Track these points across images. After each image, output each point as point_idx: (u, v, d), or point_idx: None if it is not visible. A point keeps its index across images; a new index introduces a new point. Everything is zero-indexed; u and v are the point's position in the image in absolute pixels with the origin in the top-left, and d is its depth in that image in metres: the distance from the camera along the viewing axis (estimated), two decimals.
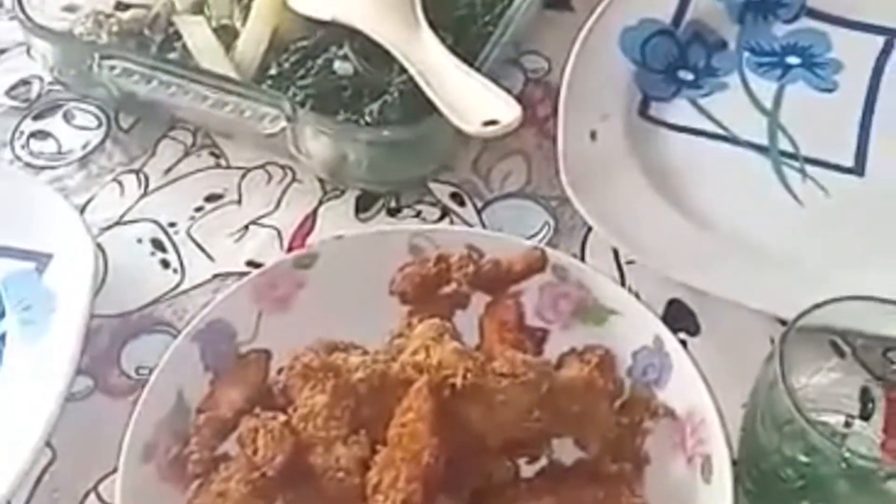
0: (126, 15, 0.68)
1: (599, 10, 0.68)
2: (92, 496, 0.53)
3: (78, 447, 0.54)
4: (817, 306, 0.48)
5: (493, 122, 0.57)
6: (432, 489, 0.45)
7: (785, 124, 0.66)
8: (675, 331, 0.53)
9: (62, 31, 0.67)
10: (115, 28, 0.67)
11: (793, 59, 0.69)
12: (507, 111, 0.57)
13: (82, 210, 0.63)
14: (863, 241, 0.61)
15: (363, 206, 0.64)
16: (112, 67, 0.63)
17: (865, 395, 0.52)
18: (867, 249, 0.60)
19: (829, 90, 0.67)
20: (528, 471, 0.51)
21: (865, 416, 0.52)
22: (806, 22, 0.70)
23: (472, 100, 0.58)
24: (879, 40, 0.69)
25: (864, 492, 0.46)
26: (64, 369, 0.52)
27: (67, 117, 0.69)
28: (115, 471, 0.50)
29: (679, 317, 0.58)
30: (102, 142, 0.67)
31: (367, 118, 0.62)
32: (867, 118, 0.66)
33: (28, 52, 0.71)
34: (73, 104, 0.69)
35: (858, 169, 0.64)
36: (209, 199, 0.65)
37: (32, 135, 0.68)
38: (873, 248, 0.60)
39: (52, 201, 0.60)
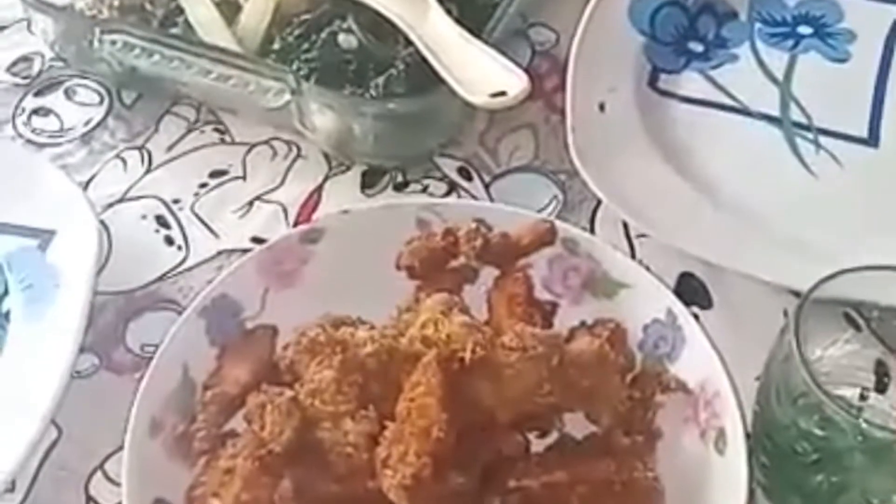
0: None
1: None
2: (98, 474, 0.53)
3: (84, 425, 0.54)
4: (831, 276, 0.47)
5: (500, 94, 0.56)
6: (442, 464, 0.45)
7: (797, 95, 0.65)
8: (686, 305, 0.53)
9: (63, 6, 0.66)
10: (116, 2, 0.66)
11: (805, 29, 0.68)
12: (515, 82, 0.56)
13: (85, 187, 0.63)
14: (877, 211, 0.60)
15: (369, 181, 0.64)
16: (113, 42, 0.62)
17: (881, 368, 0.51)
18: (881, 220, 0.60)
19: (842, 60, 0.67)
20: (538, 445, 0.50)
21: (881, 388, 0.51)
22: None
23: (479, 71, 0.58)
24: (893, 9, 0.68)
25: (879, 464, 0.45)
26: (68, 346, 0.52)
27: (69, 94, 0.68)
28: (121, 448, 0.49)
29: (691, 291, 0.58)
30: (104, 118, 0.67)
31: (373, 92, 0.61)
32: (881, 88, 0.65)
33: (28, 27, 0.70)
34: (75, 80, 0.69)
35: (872, 140, 0.63)
36: (213, 175, 0.64)
37: (34, 111, 0.68)
38: (887, 218, 0.60)
39: (54, 178, 0.60)
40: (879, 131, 0.63)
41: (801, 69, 0.66)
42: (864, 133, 0.63)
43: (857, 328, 0.50)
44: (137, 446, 0.48)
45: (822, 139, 0.63)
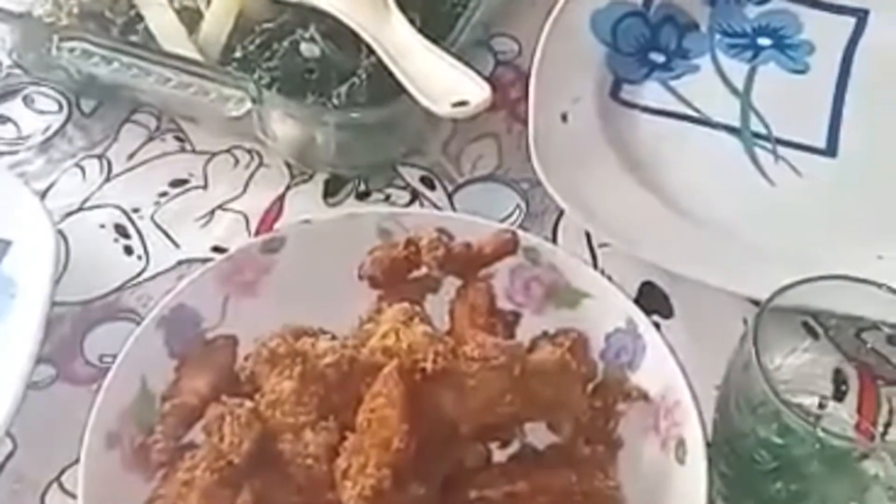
0: None
1: None
2: (55, 486, 0.52)
3: (40, 437, 0.53)
4: (791, 286, 0.47)
5: (462, 103, 0.56)
6: (403, 475, 0.44)
7: (757, 106, 0.66)
8: (648, 314, 0.53)
9: (21, 13, 0.66)
10: (75, 10, 0.65)
11: (764, 41, 0.69)
12: (477, 92, 0.56)
13: (43, 196, 0.62)
14: (835, 222, 0.61)
15: (331, 190, 0.63)
16: (72, 49, 0.61)
17: (839, 376, 0.51)
18: (839, 230, 0.60)
19: (801, 71, 0.67)
20: (500, 455, 0.50)
21: (839, 397, 0.51)
22: (777, 3, 0.70)
23: (442, 81, 0.58)
24: (851, 21, 0.69)
25: (837, 472, 0.45)
26: (24, 357, 0.51)
27: (27, 101, 0.68)
28: (78, 461, 0.48)
29: (652, 300, 0.58)
30: (63, 126, 0.66)
31: (335, 101, 0.61)
32: (839, 99, 0.66)
33: None
34: (33, 88, 0.68)
35: (831, 150, 0.64)
36: (174, 184, 0.64)
37: None
38: (845, 229, 0.60)
39: (11, 187, 0.59)
40: (838, 142, 0.64)
41: (761, 80, 0.67)
42: (823, 143, 0.64)
43: (816, 337, 0.51)
44: (94, 458, 0.48)
45: (781, 149, 0.64)
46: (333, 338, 0.50)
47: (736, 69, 0.67)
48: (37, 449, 0.53)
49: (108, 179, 0.64)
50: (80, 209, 0.63)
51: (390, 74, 0.59)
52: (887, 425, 0.50)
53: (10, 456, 0.53)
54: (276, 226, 0.61)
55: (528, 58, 0.66)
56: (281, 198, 0.63)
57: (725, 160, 0.64)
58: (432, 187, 0.64)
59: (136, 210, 0.63)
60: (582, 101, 0.65)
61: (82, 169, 0.64)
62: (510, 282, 0.54)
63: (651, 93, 0.66)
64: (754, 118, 0.65)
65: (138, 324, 0.54)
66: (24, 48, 0.66)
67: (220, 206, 0.63)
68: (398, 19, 0.62)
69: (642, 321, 0.52)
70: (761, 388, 0.44)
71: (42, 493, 0.52)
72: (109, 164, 0.65)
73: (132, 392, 0.50)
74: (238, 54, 0.63)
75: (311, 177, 0.64)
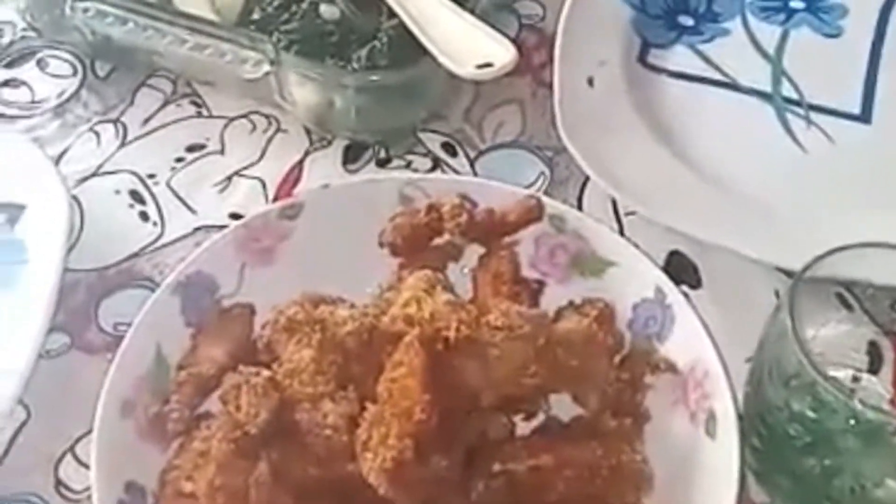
0: None
1: None
2: (68, 456, 0.52)
3: (54, 406, 0.52)
4: (826, 254, 0.46)
5: (487, 65, 0.55)
6: (424, 447, 0.43)
7: (789, 70, 0.64)
8: (676, 284, 0.52)
9: None
10: None
11: (797, 4, 0.67)
12: (502, 53, 0.55)
13: (57, 161, 0.61)
14: (868, 189, 0.59)
15: (351, 156, 0.62)
16: (86, 10, 0.60)
17: (874, 349, 0.50)
18: (873, 198, 0.59)
19: (835, 35, 0.66)
20: (524, 428, 0.49)
21: (874, 370, 0.50)
22: None
23: (465, 42, 0.56)
24: None
25: (872, 447, 0.44)
26: (37, 325, 0.50)
27: (41, 65, 0.67)
28: (92, 430, 0.47)
29: (680, 270, 0.57)
30: (78, 90, 0.65)
31: (355, 64, 0.60)
32: (874, 64, 0.64)
33: None
34: (48, 51, 0.67)
35: (865, 116, 0.62)
36: (190, 149, 0.63)
37: (5, 83, 0.66)
38: (879, 196, 0.59)
39: (25, 151, 0.58)
40: (872, 108, 0.62)
41: (793, 44, 0.65)
42: (857, 109, 0.63)
43: (850, 308, 0.50)
44: (108, 428, 0.47)
45: (814, 115, 0.62)
46: (353, 306, 0.49)
47: (767, 32, 0.66)
48: (50, 418, 0.52)
49: (123, 144, 0.63)
50: (95, 174, 0.62)
51: (412, 37, 0.58)
52: None
53: (23, 425, 0.52)
54: (295, 192, 0.60)
55: (553, 22, 0.65)
56: (299, 164, 0.62)
57: (756, 126, 0.62)
58: (454, 154, 0.62)
59: (151, 176, 0.62)
60: (608, 66, 0.63)
61: (97, 134, 0.63)
62: (535, 250, 0.53)
63: (679, 57, 0.65)
64: (786, 83, 0.64)
65: (153, 291, 0.53)
66: (37, 9, 0.65)
67: (237, 172, 0.62)
68: None
69: (671, 290, 0.51)
70: (797, 360, 0.43)
71: (56, 463, 0.51)
72: (125, 128, 0.64)
73: (147, 360, 0.49)
74: (256, 16, 0.62)
75: (330, 143, 0.63)
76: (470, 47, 0.56)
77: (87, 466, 0.49)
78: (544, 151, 0.62)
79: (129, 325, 0.50)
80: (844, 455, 0.45)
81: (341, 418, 0.45)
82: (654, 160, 0.60)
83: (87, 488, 0.47)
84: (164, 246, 0.59)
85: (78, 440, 0.51)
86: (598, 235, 0.53)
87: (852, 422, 0.43)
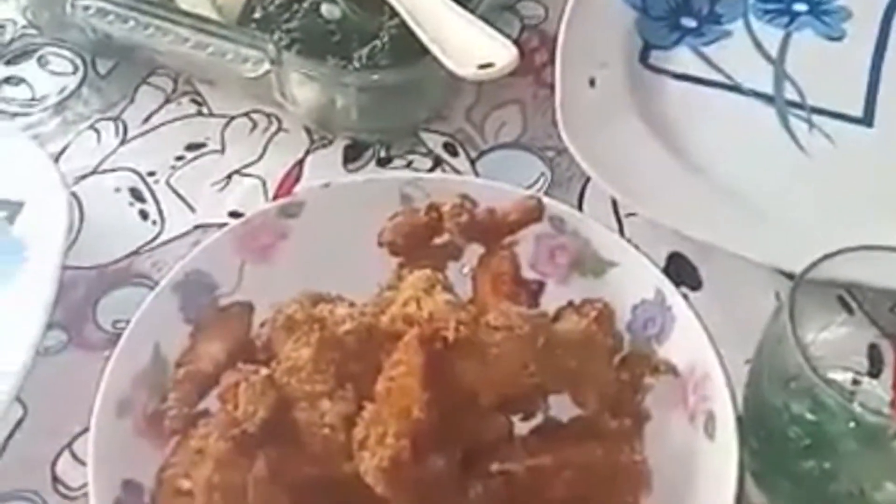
0: None
1: None
2: (66, 454, 0.51)
3: (51, 403, 0.52)
4: (827, 257, 0.46)
5: (488, 66, 0.55)
6: (422, 446, 0.43)
7: (791, 73, 0.64)
8: (676, 285, 0.52)
9: None
10: None
11: (800, 6, 0.67)
12: (504, 53, 0.55)
13: (57, 158, 0.61)
14: (870, 192, 0.59)
15: (352, 156, 0.62)
16: (87, 7, 0.60)
17: (874, 352, 0.50)
18: (874, 201, 0.59)
19: (838, 38, 0.66)
20: (523, 428, 0.48)
21: (874, 373, 0.50)
22: None
23: (467, 42, 0.56)
24: None
25: (872, 450, 0.44)
26: (35, 322, 0.50)
27: (42, 62, 0.67)
28: (89, 428, 0.47)
29: (680, 271, 0.57)
30: (78, 88, 0.65)
31: (356, 63, 0.60)
32: (876, 67, 0.64)
33: None
34: (48, 49, 0.67)
35: (867, 119, 0.62)
36: (190, 147, 0.63)
37: (5, 80, 0.66)
38: (881, 199, 0.59)
39: (24, 148, 0.58)
40: (874, 111, 0.62)
41: (796, 47, 0.65)
42: (859, 112, 0.62)
43: (850, 311, 0.49)
44: (105, 426, 0.47)
45: (816, 118, 0.62)
46: (352, 305, 0.49)
47: (770, 35, 0.66)
48: (47, 416, 0.52)
49: (123, 142, 0.63)
50: (95, 172, 0.62)
51: (414, 36, 0.58)
52: None
53: (20, 422, 0.52)
54: (294, 191, 0.60)
55: (555, 23, 0.65)
56: (300, 163, 0.62)
57: (758, 129, 0.62)
58: (455, 154, 0.62)
59: (151, 174, 0.62)
60: (610, 67, 0.63)
61: (97, 131, 0.63)
62: (535, 249, 0.53)
63: (681, 59, 0.65)
64: (788, 86, 0.63)
65: (152, 289, 0.52)
66: (38, 7, 0.65)
67: (237, 171, 0.62)
68: None
69: (671, 292, 0.50)
70: (796, 362, 0.43)
71: (52, 461, 0.51)
72: (125, 126, 0.64)
73: (145, 358, 0.49)
74: (257, 14, 0.62)
75: (330, 142, 0.63)
76: (471, 47, 0.56)
77: (84, 464, 0.48)
78: (545, 152, 0.62)
79: (128, 322, 0.50)
80: (843, 458, 0.44)
81: (339, 417, 0.45)
82: (655, 161, 0.59)
83: (84, 486, 0.47)
84: (164, 244, 0.59)
85: (75, 438, 0.51)
86: (598, 236, 0.52)
87: (852, 425, 0.43)
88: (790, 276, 0.49)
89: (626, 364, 0.50)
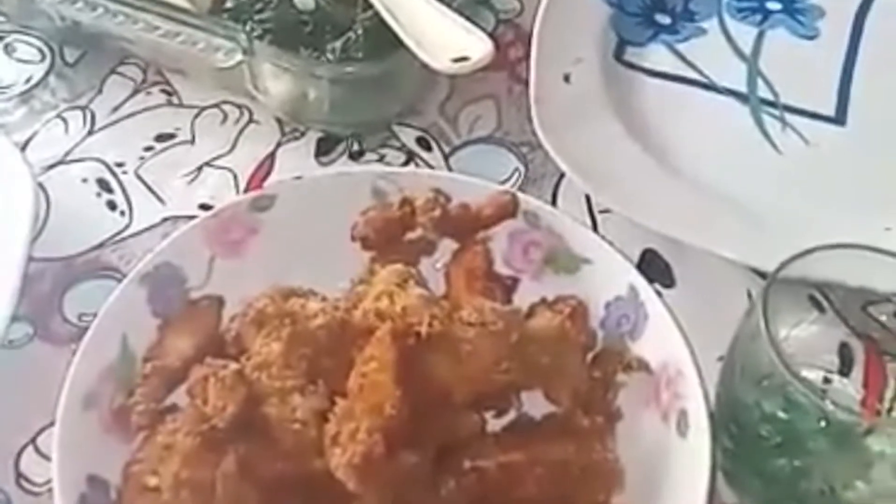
0: None
1: None
2: (30, 449, 0.51)
3: (15, 397, 0.51)
4: (799, 255, 0.46)
5: (463, 59, 0.55)
6: (394, 443, 0.43)
7: (765, 71, 0.64)
8: (649, 282, 0.51)
9: None
10: None
11: (774, 5, 0.67)
12: (479, 46, 0.55)
13: (23, 147, 0.60)
14: (843, 192, 0.59)
15: (324, 149, 0.62)
16: None
17: (845, 351, 0.50)
18: (847, 201, 0.59)
19: (811, 37, 0.66)
20: (495, 425, 0.48)
21: (845, 371, 0.50)
22: None
23: (441, 35, 0.56)
24: None
25: (842, 448, 0.44)
26: (0, 314, 0.49)
27: (8, 50, 0.66)
28: (54, 422, 0.47)
29: (654, 268, 0.57)
30: (46, 76, 0.64)
31: (329, 56, 0.59)
32: (849, 66, 0.64)
33: None
34: (15, 36, 0.66)
35: (840, 118, 0.62)
36: (160, 138, 0.62)
37: None
38: (853, 199, 0.59)
39: None
40: (847, 109, 0.63)
41: (770, 45, 0.65)
42: (832, 111, 0.63)
43: (822, 310, 0.49)
44: (71, 420, 0.46)
45: (789, 116, 0.62)
46: (324, 299, 0.48)
47: (744, 33, 0.66)
48: (12, 410, 0.51)
49: (91, 132, 0.62)
50: (62, 162, 0.61)
51: (388, 31, 0.57)
52: (894, 401, 0.49)
53: None
54: (266, 184, 0.60)
55: (530, 17, 0.65)
56: (271, 156, 0.61)
57: (731, 126, 0.62)
58: (428, 148, 0.62)
59: (119, 164, 0.61)
60: (585, 63, 0.63)
61: (65, 121, 0.63)
62: (508, 246, 0.53)
63: (656, 55, 0.65)
64: (762, 84, 0.64)
65: (120, 282, 0.52)
66: None
67: (207, 163, 0.61)
68: None
69: (644, 289, 0.50)
70: (769, 360, 0.43)
71: (16, 456, 0.50)
72: (93, 116, 0.63)
73: (112, 352, 0.48)
74: (230, 4, 0.61)
75: (302, 134, 0.62)
76: (446, 41, 0.55)
77: (48, 459, 0.47)
78: (519, 147, 0.62)
79: (95, 315, 0.49)
80: (815, 456, 0.45)
81: (310, 413, 0.44)
82: (629, 158, 0.59)
83: (49, 481, 0.46)
84: (132, 236, 0.58)
85: (39, 432, 0.50)
86: (572, 232, 0.52)
87: (823, 423, 0.43)
88: (763, 274, 0.49)
89: (599, 361, 0.50)
